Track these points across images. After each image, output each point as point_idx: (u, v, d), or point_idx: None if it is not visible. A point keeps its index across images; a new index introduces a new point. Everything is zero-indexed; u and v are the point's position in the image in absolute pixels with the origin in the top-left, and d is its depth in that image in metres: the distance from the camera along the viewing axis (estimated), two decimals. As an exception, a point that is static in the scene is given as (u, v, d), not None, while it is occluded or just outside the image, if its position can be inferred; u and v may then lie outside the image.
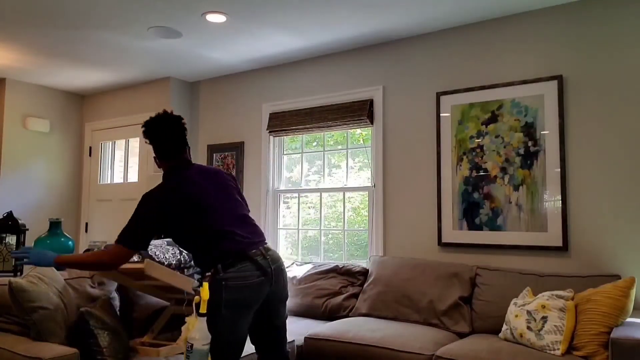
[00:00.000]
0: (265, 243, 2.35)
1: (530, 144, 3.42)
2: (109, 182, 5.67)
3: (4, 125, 5.23)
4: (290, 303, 3.88)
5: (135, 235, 2.19)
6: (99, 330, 2.37)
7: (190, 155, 2.46)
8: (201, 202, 2.25)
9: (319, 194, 4.42)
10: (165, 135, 2.35)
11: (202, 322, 2.06)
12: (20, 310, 2.26)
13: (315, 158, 4.56)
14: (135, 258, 2.73)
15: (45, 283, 2.42)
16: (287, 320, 2.46)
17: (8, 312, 2.48)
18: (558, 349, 2.58)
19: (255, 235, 2.32)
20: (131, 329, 2.87)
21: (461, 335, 3.17)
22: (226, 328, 2.15)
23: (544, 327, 2.66)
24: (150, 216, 2.21)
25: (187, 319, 2.08)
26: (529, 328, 2.71)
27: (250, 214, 2.47)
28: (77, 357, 2.17)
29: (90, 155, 5.78)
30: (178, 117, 2.40)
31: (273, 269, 2.26)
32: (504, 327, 2.89)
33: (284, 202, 4.66)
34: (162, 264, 2.80)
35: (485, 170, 3.57)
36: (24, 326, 2.39)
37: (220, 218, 2.26)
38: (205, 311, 2.06)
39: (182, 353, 2.60)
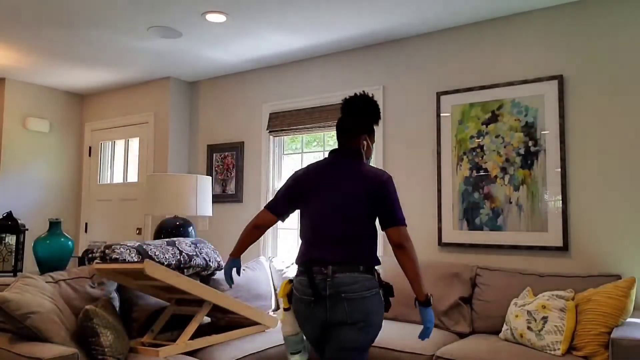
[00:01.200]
0: (338, 262, 2.10)
1: (530, 143, 3.42)
2: (108, 182, 5.67)
3: (4, 125, 5.22)
4: (290, 303, 3.87)
5: (275, 200, 2.32)
6: (102, 329, 2.37)
7: (356, 150, 2.27)
8: (303, 196, 2.27)
9: (319, 194, 4.41)
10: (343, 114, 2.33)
11: (289, 315, 2.23)
12: (11, 320, 2.24)
13: (315, 158, 4.56)
14: (135, 258, 2.72)
15: (30, 292, 2.41)
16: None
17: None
18: (558, 349, 2.58)
19: (328, 253, 2.12)
20: (131, 329, 2.86)
21: (461, 336, 3.17)
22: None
23: (544, 327, 2.66)
24: (282, 187, 2.34)
25: (278, 313, 2.24)
26: (529, 328, 2.71)
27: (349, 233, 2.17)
28: (77, 357, 2.17)
29: (90, 155, 5.78)
30: (362, 102, 2.30)
31: (329, 295, 2.08)
32: (504, 327, 2.89)
33: (284, 202, 4.65)
34: (162, 264, 2.80)
35: (486, 170, 3.57)
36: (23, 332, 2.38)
37: (310, 222, 2.22)
38: (287, 306, 2.23)
39: (185, 353, 2.60)
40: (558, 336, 2.61)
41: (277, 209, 2.32)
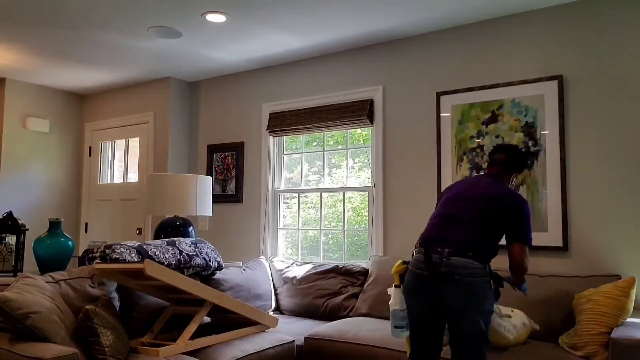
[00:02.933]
0: (456, 246, 2.34)
1: (530, 144, 3.42)
2: (108, 182, 5.67)
3: (4, 125, 5.23)
4: (290, 303, 3.88)
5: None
6: (102, 328, 2.37)
7: (495, 173, 2.67)
8: (445, 195, 2.63)
9: (319, 194, 4.42)
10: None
11: (397, 292, 2.48)
12: (11, 319, 2.24)
13: (315, 158, 4.56)
14: (135, 258, 2.73)
15: (31, 292, 2.41)
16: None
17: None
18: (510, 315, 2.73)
19: (444, 236, 2.41)
20: (131, 329, 2.86)
21: (461, 335, 3.16)
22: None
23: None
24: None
25: (389, 290, 2.51)
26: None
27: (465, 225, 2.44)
28: (77, 357, 2.17)
29: (90, 155, 5.78)
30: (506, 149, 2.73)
31: (442, 273, 2.31)
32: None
33: (284, 202, 4.66)
34: (162, 264, 2.80)
35: (486, 170, 3.57)
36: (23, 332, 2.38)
37: (441, 209, 2.56)
38: (399, 283, 2.51)
39: (185, 353, 2.61)
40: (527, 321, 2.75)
41: None
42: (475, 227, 2.39)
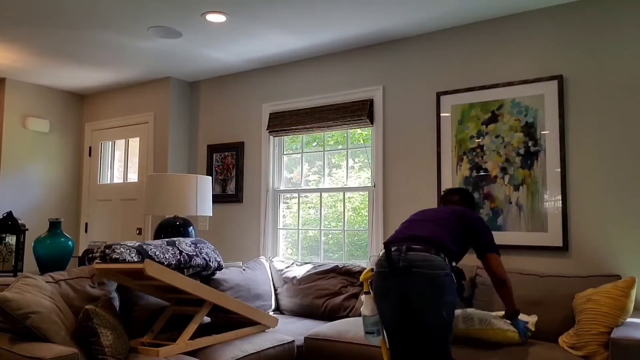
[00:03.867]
0: (415, 243, 2.45)
1: (530, 144, 3.42)
2: (108, 182, 5.67)
3: (4, 125, 5.22)
4: (290, 303, 3.88)
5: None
6: (102, 329, 2.37)
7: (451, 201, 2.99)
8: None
9: (319, 194, 4.42)
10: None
11: (368, 298, 2.57)
12: (11, 319, 2.23)
13: (315, 158, 4.56)
14: (135, 258, 2.73)
15: (31, 292, 2.41)
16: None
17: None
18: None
19: (408, 235, 2.52)
20: (131, 329, 2.86)
21: (461, 335, 3.16)
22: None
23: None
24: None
25: (361, 296, 2.62)
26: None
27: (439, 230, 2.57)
28: (77, 357, 2.17)
29: (90, 155, 5.78)
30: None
31: (401, 267, 2.41)
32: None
33: (284, 202, 4.66)
34: (162, 264, 2.80)
35: (486, 170, 3.57)
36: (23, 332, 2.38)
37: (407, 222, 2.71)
38: (368, 290, 2.60)
39: (185, 353, 2.61)
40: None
41: None
42: (441, 228, 2.54)
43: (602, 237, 3.17)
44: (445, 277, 2.37)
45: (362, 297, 2.62)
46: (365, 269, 2.61)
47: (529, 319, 2.81)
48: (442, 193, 3.01)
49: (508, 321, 2.71)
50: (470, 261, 3.57)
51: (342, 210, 4.31)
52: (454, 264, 2.51)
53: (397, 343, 2.51)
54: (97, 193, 5.66)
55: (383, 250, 2.52)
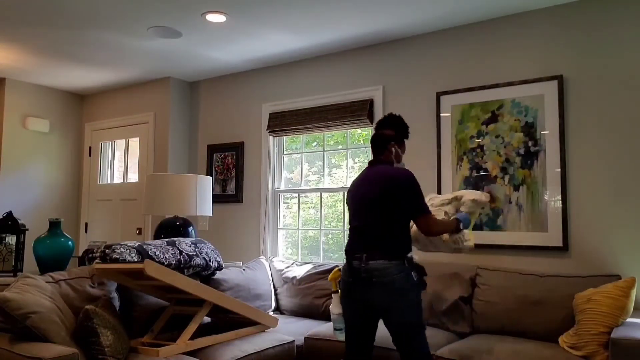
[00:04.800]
0: (371, 252, 2.46)
1: (530, 144, 3.42)
2: (108, 182, 5.67)
3: (4, 125, 5.22)
4: (290, 303, 3.87)
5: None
6: (102, 329, 2.37)
7: (388, 156, 2.69)
8: (350, 201, 2.68)
9: (319, 194, 4.42)
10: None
11: (335, 297, 2.78)
12: (11, 319, 2.23)
13: (315, 158, 4.56)
14: (135, 258, 2.72)
15: (31, 292, 2.41)
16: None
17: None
18: (469, 239, 2.74)
19: (359, 245, 2.53)
20: (131, 328, 2.86)
21: (461, 336, 3.16)
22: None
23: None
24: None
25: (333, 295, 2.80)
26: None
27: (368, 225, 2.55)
28: (77, 357, 2.17)
29: (90, 155, 5.78)
30: (386, 121, 2.78)
31: (363, 278, 2.45)
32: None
33: (284, 202, 4.66)
34: (162, 264, 2.80)
35: (486, 170, 3.57)
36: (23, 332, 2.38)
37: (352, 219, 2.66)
38: (336, 289, 2.80)
39: (185, 353, 2.61)
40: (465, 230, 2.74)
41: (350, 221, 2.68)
42: (379, 228, 2.50)
43: (602, 237, 3.17)
44: (405, 278, 2.42)
45: (333, 296, 2.79)
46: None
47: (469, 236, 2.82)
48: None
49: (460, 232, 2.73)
50: (470, 261, 3.58)
51: (342, 210, 4.31)
52: (411, 255, 2.51)
53: (352, 342, 2.59)
54: (97, 193, 5.66)
55: (346, 258, 2.59)
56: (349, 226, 2.67)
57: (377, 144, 2.69)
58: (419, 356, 2.43)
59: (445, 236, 2.72)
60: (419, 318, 2.45)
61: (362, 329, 2.55)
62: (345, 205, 2.78)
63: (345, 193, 2.93)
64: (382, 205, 2.49)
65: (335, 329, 2.78)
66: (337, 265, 2.73)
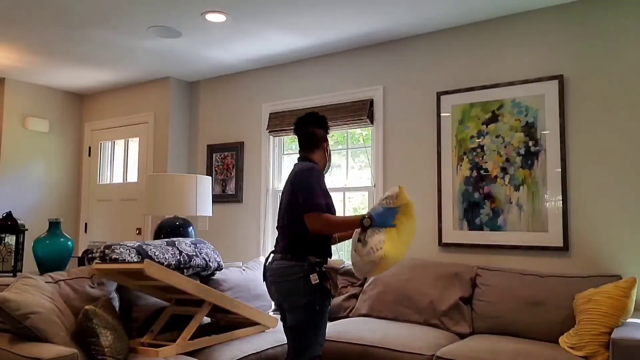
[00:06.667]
0: (275, 252, 2.55)
1: (530, 143, 3.42)
2: (108, 182, 5.67)
3: (4, 125, 5.22)
4: (290, 303, 3.87)
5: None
6: (101, 329, 2.37)
7: (305, 155, 2.66)
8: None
9: (319, 194, 4.41)
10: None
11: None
12: (11, 320, 2.23)
13: (315, 158, 4.55)
14: (135, 258, 2.72)
15: (30, 293, 2.41)
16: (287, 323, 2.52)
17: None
18: (381, 248, 2.34)
19: (275, 243, 2.60)
20: (131, 329, 2.86)
21: (461, 336, 3.16)
22: None
23: (366, 232, 2.45)
24: None
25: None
26: (358, 240, 2.50)
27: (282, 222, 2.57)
28: (76, 357, 2.16)
29: (89, 155, 5.78)
30: (307, 119, 2.67)
31: (266, 276, 2.56)
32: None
33: (284, 202, 4.65)
34: (162, 264, 2.80)
35: (486, 170, 3.57)
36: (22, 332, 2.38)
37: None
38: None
39: (185, 353, 2.60)
40: (381, 236, 2.38)
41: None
42: (285, 229, 2.51)
43: (602, 237, 3.17)
44: (298, 281, 2.39)
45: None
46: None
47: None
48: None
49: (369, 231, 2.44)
50: (470, 261, 3.58)
51: (342, 211, 4.30)
52: (314, 259, 2.42)
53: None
54: (97, 193, 5.65)
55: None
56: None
57: (303, 141, 2.65)
58: (293, 358, 2.47)
59: (358, 248, 2.46)
60: (309, 319, 2.41)
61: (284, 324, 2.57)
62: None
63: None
64: (287, 203, 2.50)
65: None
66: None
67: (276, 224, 2.62)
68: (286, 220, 2.50)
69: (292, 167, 2.61)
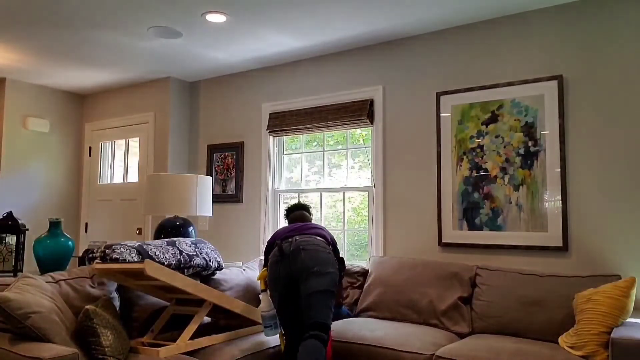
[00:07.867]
0: (304, 234, 2.85)
1: (530, 143, 3.42)
2: (108, 182, 5.67)
3: (4, 125, 5.23)
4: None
5: None
6: (102, 329, 2.37)
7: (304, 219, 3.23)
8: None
9: (319, 194, 4.42)
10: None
11: (264, 295, 2.87)
12: (11, 319, 2.23)
13: (315, 158, 4.56)
14: (135, 258, 2.72)
15: (31, 292, 2.41)
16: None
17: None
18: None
19: (294, 232, 2.89)
20: (131, 329, 2.87)
21: (461, 336, 3.17)
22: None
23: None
24: None
25: (260, 295, 2.95)
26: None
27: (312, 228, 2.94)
28: (77, 357, 2.17)
29: (90, 155, 5.78)
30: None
31: (292, 250, 2.75)
32: None
33: (284, 202, 4.66)
34: (162, 264, 2.80)
35: (486, 170, 3.57)
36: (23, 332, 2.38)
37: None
38: (264, 287, 2.91)
39: (185, 353, 2.61)
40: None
41: None
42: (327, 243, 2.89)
43: (602, 237, 3.17)
44: (328, 254, 2.76)
45: (260, 295, 2.92)
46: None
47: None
48: (287, 212, 3.32)
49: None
50: (469, 261, 3.58)
51: (342, 210, 4.31)
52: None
53: (284, 319, 2.80)
54: (97, 193, 5.66)
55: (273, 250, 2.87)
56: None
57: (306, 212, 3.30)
58: (325, 317, 2.68)
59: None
60: (333, 289, 2.74)
61: (286, 303, 2.79)
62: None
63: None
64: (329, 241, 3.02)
65: (265, 327, 2.86)
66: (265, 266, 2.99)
67: (301, 225, 2.94)
68: (330, 243, 2.90)
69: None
